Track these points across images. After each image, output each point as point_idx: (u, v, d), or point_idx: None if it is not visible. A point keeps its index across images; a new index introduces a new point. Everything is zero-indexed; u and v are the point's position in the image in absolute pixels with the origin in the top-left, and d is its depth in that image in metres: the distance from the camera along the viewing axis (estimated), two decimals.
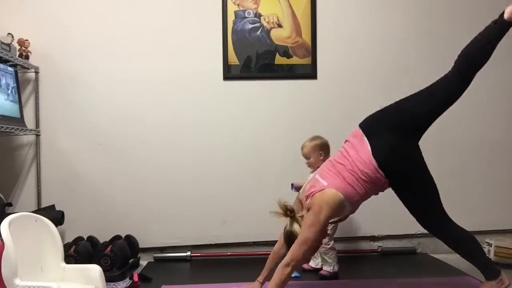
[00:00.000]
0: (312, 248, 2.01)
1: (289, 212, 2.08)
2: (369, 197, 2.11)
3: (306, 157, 2.60)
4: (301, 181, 2.55)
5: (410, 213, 2.11)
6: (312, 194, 2.03)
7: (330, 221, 2.11)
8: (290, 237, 2.07)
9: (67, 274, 1.90)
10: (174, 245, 3.07)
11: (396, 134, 2.04)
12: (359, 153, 2.03)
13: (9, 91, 2.79)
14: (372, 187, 2.03)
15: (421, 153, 2.09)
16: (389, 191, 2.12)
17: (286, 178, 2.79)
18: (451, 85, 2.11)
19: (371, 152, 2.01)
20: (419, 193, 2.08)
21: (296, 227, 2.06)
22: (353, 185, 1.99)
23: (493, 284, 2.10)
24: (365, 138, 2.05)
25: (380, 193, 2.13)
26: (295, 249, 1.96)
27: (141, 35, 3.07)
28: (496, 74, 3.19)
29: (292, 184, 2.63)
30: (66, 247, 2.59)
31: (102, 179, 3.05)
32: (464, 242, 2.13)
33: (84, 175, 3.04)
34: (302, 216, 2.08)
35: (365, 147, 2.03)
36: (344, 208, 2.03)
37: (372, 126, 2.11)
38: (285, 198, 2.13)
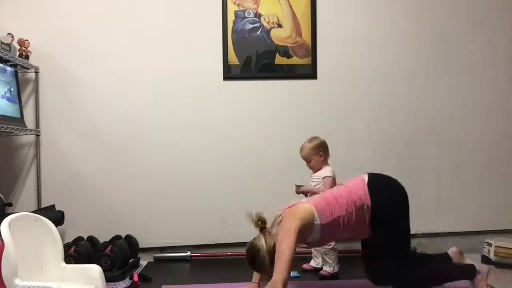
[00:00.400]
0: (290, 261, 1.87)
1: (260, 222, 2.05)
2: (343, 236, 2.11)
3: (306, 159, 2.60)
4: (306, 185, 2.57)
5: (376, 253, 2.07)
6: (286, 209, 2.03)
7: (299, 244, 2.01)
8: (251, 249, 2.02)
9: (67, 274, 1.89)
10: (174, 245, 3.07)
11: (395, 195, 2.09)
12: (352, 183, 2.09)
13: (9, 91, 2.79)
14: (351, 219, 1.99)
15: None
16: None
17: (286, 177, 2.79)
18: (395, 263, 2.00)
19: (366, 182, 2.06)
20: (394, 235, 2.04)
21: (262, 241, 2.00)
22: (331, 205, 1.99)
23: (481, 278, 2.09)
24: (365, 176, 2.10)
25: None
26: (276, 267, 1.86)
27: (141, 35, 3.07)
28: (495, 73, 3.20)
29: (296, 186, 2.62)
30: (66, 247, 2.59)
31: (102, 179, 3.05)
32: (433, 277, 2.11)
33: (84, 175, 3.04)
34: (271, 234, 2.02)
35: (362, 179, 2.08)
36: (312, 225, 1.95)
37: (377, 178, 2.13)
38: (264, 212, 2.09)
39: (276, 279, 1.81)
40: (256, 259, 2.00)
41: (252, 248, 2.03)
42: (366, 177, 2.10)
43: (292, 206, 2.03)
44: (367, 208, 1.99)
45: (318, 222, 1.96)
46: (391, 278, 2.00)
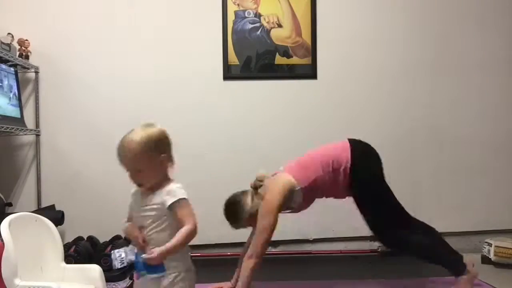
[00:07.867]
0: (269, 238, 2.03)
1: (257, 181, 2.16)
2: (324, 195, 2.18)
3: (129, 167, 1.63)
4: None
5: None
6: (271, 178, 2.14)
7: (283, 211, 2.12)
8: (232, 203, 2.17)
9: (67, 274, 1.89)
10: None
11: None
12: (331, 145, 2.17)
13: (9, 91, 2.79)
14: (331, 176, 2.08)
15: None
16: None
17: None
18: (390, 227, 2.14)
19: (349, 146, 2.12)
20: (381, 198, 2.13)
21: (247, 199, 2.13)
22: (308, 168, 2.08)
23: (466, 280, 2.12)
24: (346, 141, 2.17)
25: None
26: (255, 240, 2.02)
27: (141, 35, 3.07)
28: (497, 74, 3.20)
29: None
30: (66, 247, 2.59)
31: (102, 179, 3.04)
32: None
33: (84, 175, 3.04)
34: (258, 193, 2.12)
35: (343, 143, 2.16)
36: (293, 192, 2.06)
37: (357, 141, 2.21)
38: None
39: (253, 252, 1.99)
40: (236, 214, 2.15)
41: (235, 203, 2.17)
42: (347, 142, 2.17)
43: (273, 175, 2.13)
44: (344, 170, 2.07)
45: (299, 188, 2.06)
46: (394, 240, 2.15)
